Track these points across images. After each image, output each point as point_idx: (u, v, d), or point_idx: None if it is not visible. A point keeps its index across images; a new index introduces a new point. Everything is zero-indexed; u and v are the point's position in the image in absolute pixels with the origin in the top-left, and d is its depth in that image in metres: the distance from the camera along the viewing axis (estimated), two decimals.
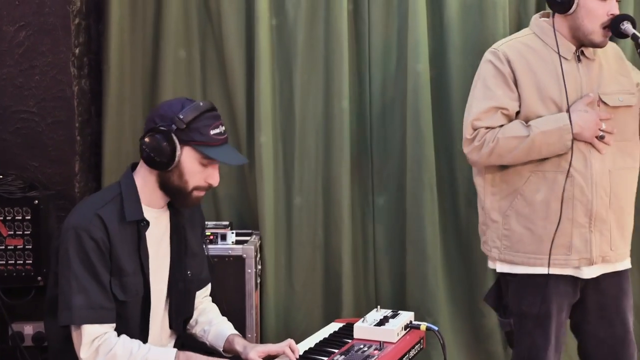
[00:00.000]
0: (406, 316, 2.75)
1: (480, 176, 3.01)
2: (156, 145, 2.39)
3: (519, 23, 3.71)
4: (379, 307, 2.84)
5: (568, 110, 2.79)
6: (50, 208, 3.29)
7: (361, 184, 3.82)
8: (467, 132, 2.90)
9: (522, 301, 2.94)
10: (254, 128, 3.73)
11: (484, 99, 2.89)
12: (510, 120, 2.87)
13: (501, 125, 2.86)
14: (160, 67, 3.75)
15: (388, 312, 2.79)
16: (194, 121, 2.40)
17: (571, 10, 2.83)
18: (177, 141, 2.40)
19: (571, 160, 2.79)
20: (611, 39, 2.91)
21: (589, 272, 2.88)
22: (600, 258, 2.87)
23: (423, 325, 2.70)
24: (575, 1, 2.81)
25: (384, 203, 3.81)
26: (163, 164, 2.41)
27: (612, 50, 3.03)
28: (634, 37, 2.72)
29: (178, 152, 2.40)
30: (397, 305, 3.73)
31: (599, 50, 2.94)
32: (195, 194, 2.50)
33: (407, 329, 2.71)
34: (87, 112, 3.61)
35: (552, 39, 2.88)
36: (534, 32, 2.98)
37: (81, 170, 3.51)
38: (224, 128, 2.49)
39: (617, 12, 2.81)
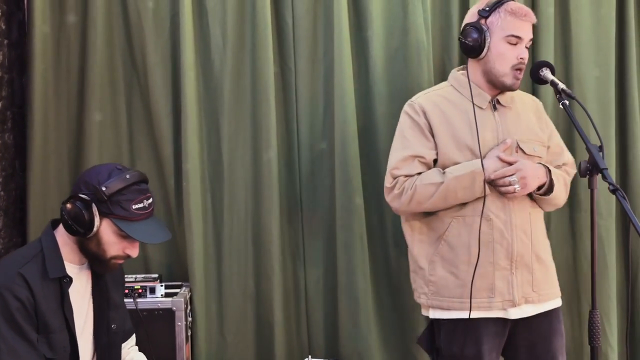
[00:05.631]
0: None
1: (408, 224, 3.08)
2: (75, 214, 2.38)
3: (443, 70, 3.77)
4: (310, 356, 2.84)
5: (481, 156, 2.87)
6: None
7: (291, 233, 3.81)
8: (387, 181, 3.01)
9: (453, 343, 2.97)
10: (181, 178, 3.69)
11: (402, 149, 3.00)
12: (428, 167, 2.98)
13: (419, 173, 2.95)
14: (85, 120, 3.69)
15: None
16: (117, 194, 2.39)
17: (482, 55, 2.94)
18: (96, 212, 2.38)
19: (484, 204, 2.87)
20: (535, 89, 2.99)
21: (515, 313, 2.93)
22: (523, 299, 2.92)
23: None
24: (486, 45, 2.92)
25: (314, 251, 3.80)
26: (80, 232, 2.39)
27: (532, 102, 3.15)
28: (552, 83, 2.82)
29: (96, 224, 2.39)
30: (331, 352, 3.72)
31: (517, 100, 3.04)
32: (114, 261, 2.49)
33: None
34: (11, 166, 3.56)
35: (467, 90, 2.99)
36: (451, 84, 3.10)
37: (5, 226, 3.44)
38: (149, 201, 2.47)
39: (526, 56, 2.93)
